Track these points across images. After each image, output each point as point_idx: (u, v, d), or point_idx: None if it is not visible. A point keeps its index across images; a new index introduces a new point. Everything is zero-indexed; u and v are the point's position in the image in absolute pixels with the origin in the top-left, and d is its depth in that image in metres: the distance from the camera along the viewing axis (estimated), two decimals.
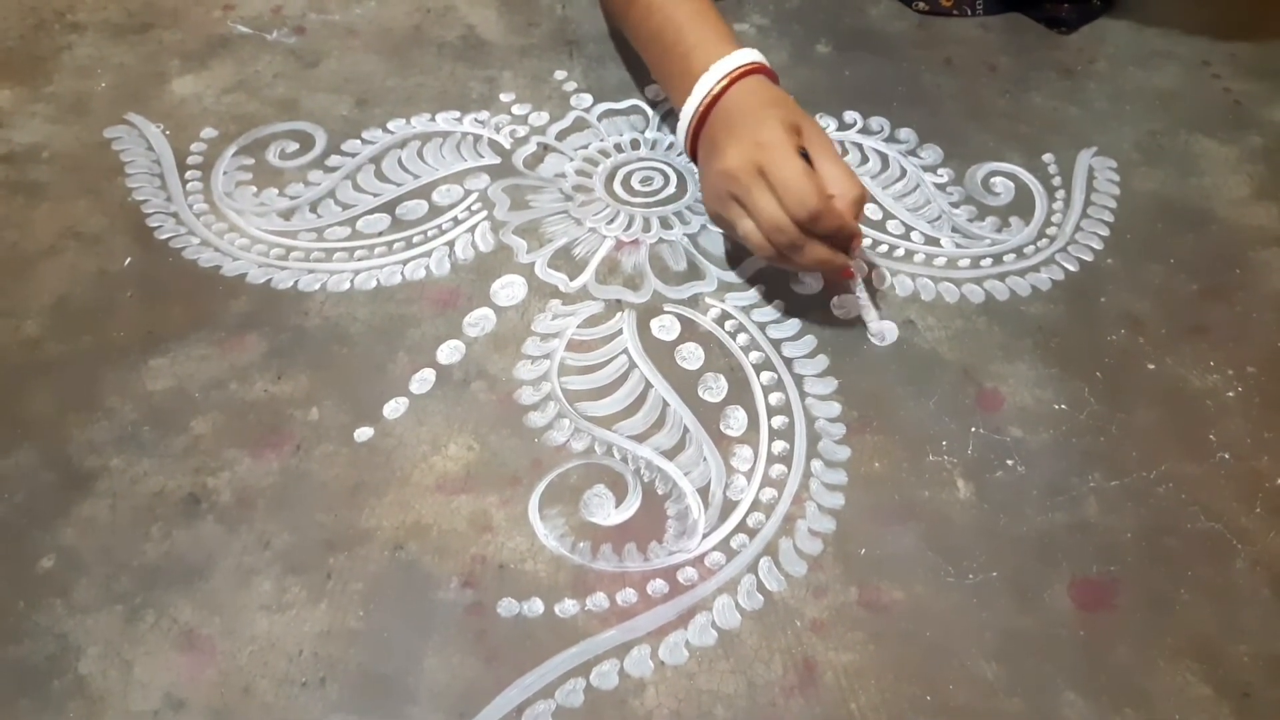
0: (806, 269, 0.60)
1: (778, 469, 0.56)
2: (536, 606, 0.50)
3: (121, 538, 0.53)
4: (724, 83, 0.62)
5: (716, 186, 0.60)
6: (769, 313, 0.64)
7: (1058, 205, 0.71)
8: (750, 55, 0.63)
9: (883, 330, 0.62)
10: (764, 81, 0.63)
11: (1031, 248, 0.68)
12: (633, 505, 0.54)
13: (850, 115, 0.77)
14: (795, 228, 0.56)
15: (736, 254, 0.67)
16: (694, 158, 0.66)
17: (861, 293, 0.62)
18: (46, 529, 0.53)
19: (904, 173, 0.73)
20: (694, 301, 0.64)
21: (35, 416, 0.58)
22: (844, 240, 0.58)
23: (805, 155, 0.58)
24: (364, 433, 0.57)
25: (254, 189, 0.71)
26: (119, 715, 0.46)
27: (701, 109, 0.62)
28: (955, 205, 0.71)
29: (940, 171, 0.73)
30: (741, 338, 0.62)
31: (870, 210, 0.69)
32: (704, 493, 0.55)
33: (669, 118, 0.76)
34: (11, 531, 0.53)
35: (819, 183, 0.56)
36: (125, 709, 0.47)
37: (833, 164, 0.58)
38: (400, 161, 0.73)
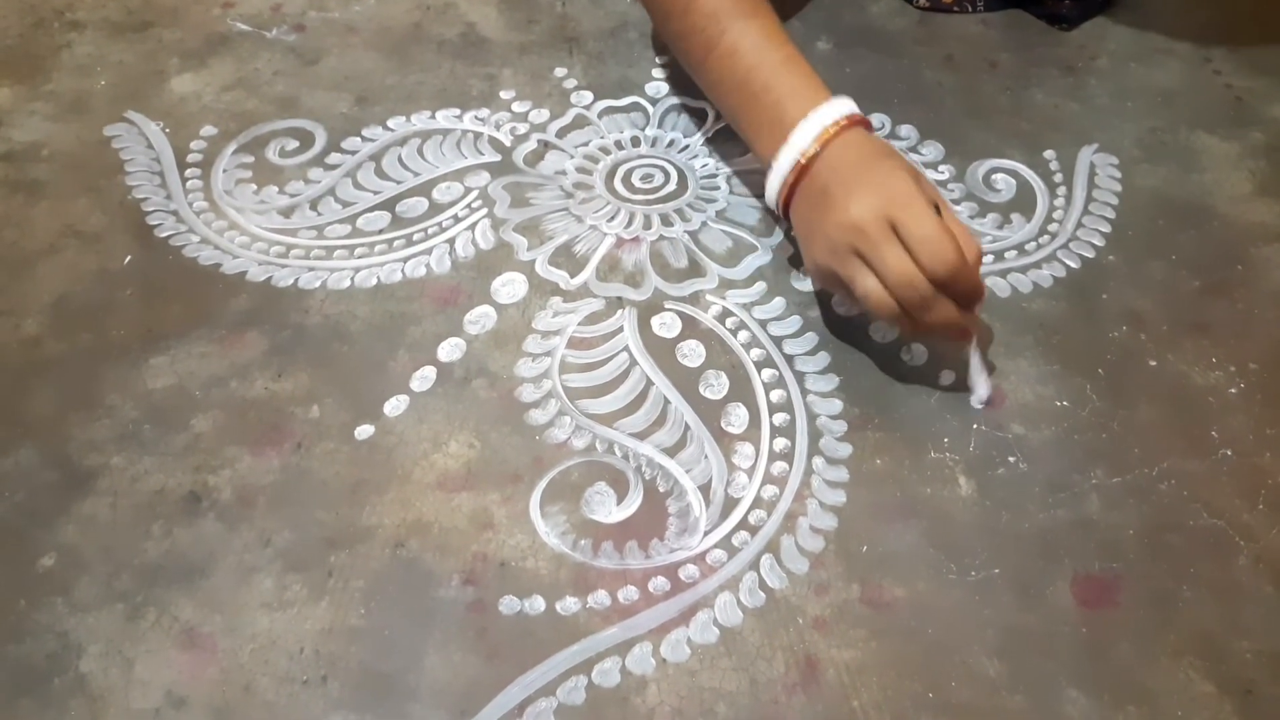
0: (929, 330, 0.55)
1: (779, 466, 0.56)
2: (538, 604, 0.50)
3: (122, 536, 0.52)
4: (831, 132, 0.58)
5: (834, 240, 0.55)
6: (770, 310, 0.64)
7: (1059, 202, 0.71)
8: (848, 106, 0.59)
9: (989, 396, 0.58)
10: (869, 134, 0.59)
11: (1033, 244, 0.68)
12: (634, 503, 0.54)
13: None
14: (929, 284, 0.53)
15: (738, 251, 0.67)
16: (785, 212, 0.62)
17: (975, 355, 0.58)
18: (47, 527, 0.53)
19: None
20: (695, 299, 0.64)
21: (35, 415, 0.57)
22: (970, 299, 0.55)
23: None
24: (365, 430, 0.57)
25: (254, 187, 0.71)
26: (120, 713, 0.46)
27: (805, 160, 0.58)
28: (956, 202, 0.71)
29: (941, 168, 0.73)
30: (743, 335, 0.62)
31: None
32: (705, 490, 0.55)
33: (669, 114, 0.76)
34: (12, 530, 0.53)
35: (955, 239, 0.53)
36: (126, 707, 0.47)
37: (953, 221, 0.55)
38: (400, 159, 0.73)
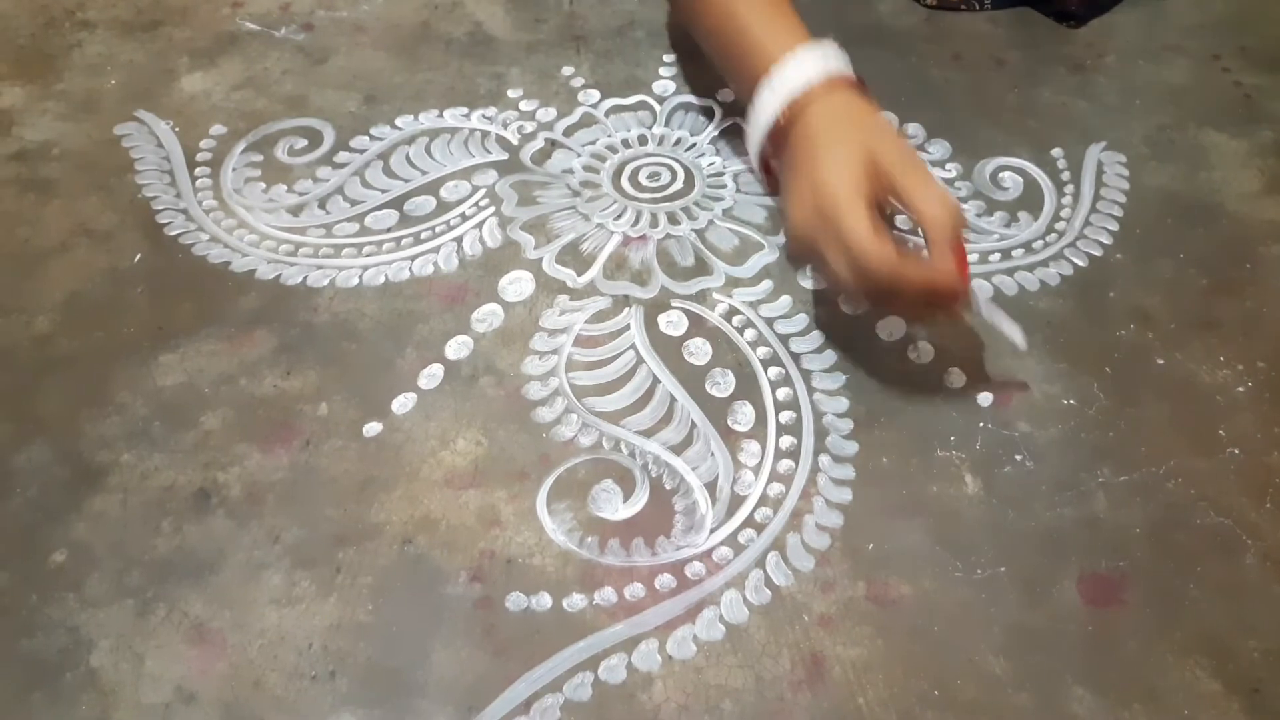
0: (913, 317, 0.57)
1: (785, 464, 0.56)
2: (544, 601, 0.50)
3: (133, 532, 0.53)
4: (801, 90, 0.56)
5: (797, 228, 0.56)
6: (777, 308, 0.64)
7: (1066, 200, 0.71)
8: (824, 59, 0.57)
9: (1024, 339, 0.56)
10: (841, 93, 0.57)
11: (1040, 243, 0.68)
12: (640, 500, 0.54)
13: None
14: (873, 290, 0.52)
15: (744, 249, 0.67)
16: (766, 170, 0.63)
17: (985, 309, 0.56)
18: (58, 523, 0.53)
19: None
20: (702, 297, 0.64)
21: (47, 412, 0.58)
22: (942, 298, 0.53)
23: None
24: (373, 428, 0.57)
25: (263, 185, 0.71)
26: (130, 708, 0.47)
27: (781, 121, 0.57)
28: (964, 200, 0.71)
29: (948, 166, 0.73)
30: (749, 333, 0.62)
31: None
32: (712, 488, 0.55)
33: (677, 113, 0.76)
34: (24, 526, 0.53)
35: (888, 247, 0.51)
36: (137, 702, 0.47)
37: (921, 188, 0.52)
38: (408, 157, 0.73)
